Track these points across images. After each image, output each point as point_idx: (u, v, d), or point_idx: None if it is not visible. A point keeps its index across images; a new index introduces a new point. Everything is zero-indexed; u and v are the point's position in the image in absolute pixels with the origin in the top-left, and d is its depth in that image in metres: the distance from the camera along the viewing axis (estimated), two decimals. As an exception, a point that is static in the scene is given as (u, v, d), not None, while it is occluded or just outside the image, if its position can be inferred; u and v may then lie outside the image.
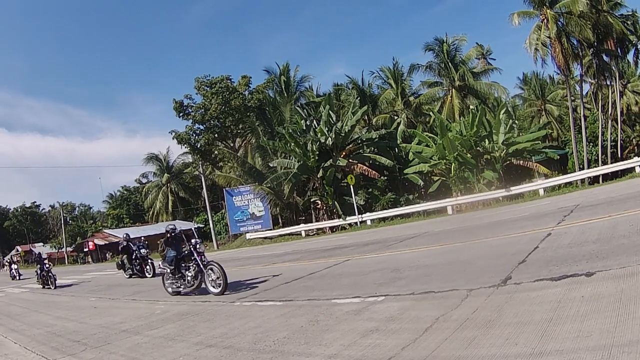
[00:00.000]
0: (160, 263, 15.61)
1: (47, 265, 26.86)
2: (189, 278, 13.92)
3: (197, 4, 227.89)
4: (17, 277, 39.99)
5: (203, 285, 13.75)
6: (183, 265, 14.24)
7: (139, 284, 21.54)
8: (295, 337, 7.43)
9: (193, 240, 13.88)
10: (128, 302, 15.83)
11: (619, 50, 42.73)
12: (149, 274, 23.98)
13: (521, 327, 5.65)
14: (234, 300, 12.02)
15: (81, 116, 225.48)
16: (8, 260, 49.80)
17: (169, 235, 14.93)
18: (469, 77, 48.98)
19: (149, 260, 24.88)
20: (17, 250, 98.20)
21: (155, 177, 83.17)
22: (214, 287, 13.43)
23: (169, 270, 14.82)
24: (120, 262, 26.36)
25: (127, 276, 25.12)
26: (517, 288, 7.66)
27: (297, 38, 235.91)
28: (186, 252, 14.20)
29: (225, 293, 13.10)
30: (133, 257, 25.35)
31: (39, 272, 26.94)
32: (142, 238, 29.65)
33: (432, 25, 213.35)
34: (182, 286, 14.47)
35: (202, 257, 13.73)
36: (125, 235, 27.27)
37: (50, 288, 25.48)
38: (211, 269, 13.50)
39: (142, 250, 25.66)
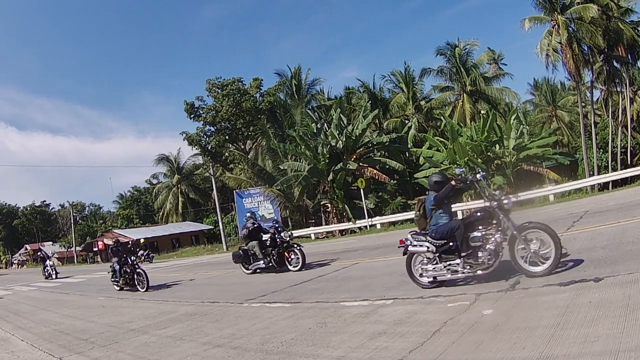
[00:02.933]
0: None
1: (147, 255, 27.26)
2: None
3: (209, 6, 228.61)
4: (54, 276, 33.24)
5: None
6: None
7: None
8: (303, 339, 7.47)
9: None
10: (137, 301, 15.87)
11: (629, 57, 42.55)
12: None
13: (529, 332, 5.66)
14: (242, 302, 12.05)
15: (92, 116, 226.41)
16: (41, 255, 44.75)
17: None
18: (480, 82, 48.85)
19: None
20: (26, 249, 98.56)
21: (165, 178, 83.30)
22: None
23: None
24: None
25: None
26: (525, 293, 7.67)
27: (309, 41, 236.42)
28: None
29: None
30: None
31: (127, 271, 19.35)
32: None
33: (443, 30, 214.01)
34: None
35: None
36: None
37: (139, 290, 18.56)
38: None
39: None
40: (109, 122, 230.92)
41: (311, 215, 47.82)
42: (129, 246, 22.47)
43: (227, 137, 55.85)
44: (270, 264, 17.45)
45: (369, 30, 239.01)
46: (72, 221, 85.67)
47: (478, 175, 9.29)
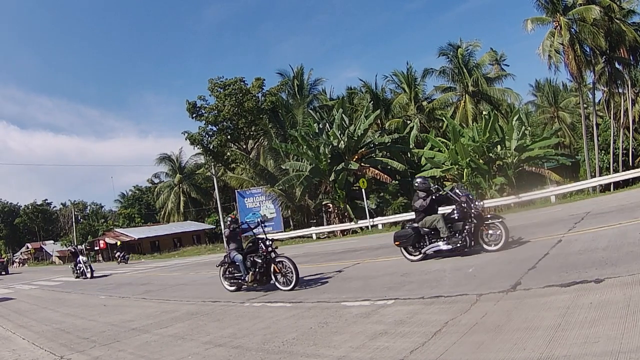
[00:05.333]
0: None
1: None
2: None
3: (212, 5, 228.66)
4: (88, 275, 28.80)
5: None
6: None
7: (150, 282, 21.59)
8: (304, 339, 7.49)
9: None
10: (138, 300, 15.91)
11: (631, 58, 42.53)
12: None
13: (530, 333, 5.68)
14: (243, 301, 12.09)
15: (94, 115, 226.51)
16: (71, 250, 36.49)
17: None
18: (482, 83, 48.92)
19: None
20: (27, 248, 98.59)
21: (167, 177, 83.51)
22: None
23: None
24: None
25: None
26: (526, 294, 7.68)
27: (311, 41, 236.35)
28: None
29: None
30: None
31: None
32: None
33: (446, 31, 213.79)
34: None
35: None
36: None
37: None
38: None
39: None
40: (111, 121, 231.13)
41: (313, 215, 47.90)
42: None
43: (229, 137, 55.84)
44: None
45: (372, 31, 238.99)
46: (73, 220, 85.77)
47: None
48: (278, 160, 46.76)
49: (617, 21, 40.02)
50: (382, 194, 42.14)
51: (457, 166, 37.90)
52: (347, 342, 6.81)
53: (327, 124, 44.18)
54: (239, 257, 13.69)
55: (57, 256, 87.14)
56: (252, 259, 13.45)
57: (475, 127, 40.23)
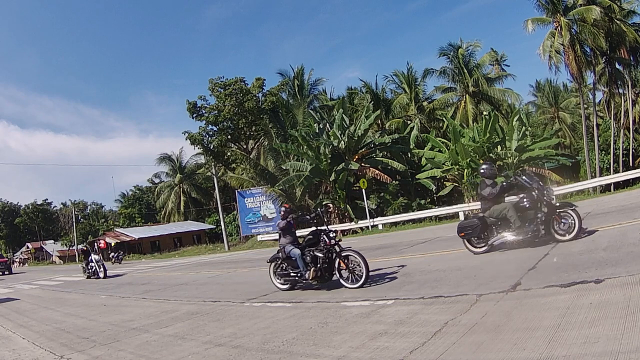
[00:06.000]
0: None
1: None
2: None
3: (214, 5, 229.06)
4: (101, 275, 27.24)
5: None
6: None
7: (150, 282, 21.59)
8: (304, 338, 7.49)
9: None
10: (138, 300, 15.89)
11: (631, 59, 42.54)
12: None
13: (529, 333, 5.69)
14: (243, 301, 12.08)
15: (94, 115, 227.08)
16: (83, 248, 35.47)
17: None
18: (482, 83, 48.92)
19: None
20: (28, 247, 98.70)
21: (167, 177, 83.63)
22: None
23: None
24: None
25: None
26: (526, 294, 7.68)
27: (312, 41, 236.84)
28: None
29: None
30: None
31: None
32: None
33: (446, 31, 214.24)
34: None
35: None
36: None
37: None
38: None
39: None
40: (112, 121, 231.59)
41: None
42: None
43: (229, 137, 55.96)
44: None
45: (372, 31, 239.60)
46: (74, 220, 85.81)
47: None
48: (278, 160, 46.73)
49: (618, 22, 40.04)
50: (382, 194, 42.11)
51: (457, 166, 37.89)
52: (347, 342, 6.82)
53: (327, 124, 44.18)
54: (297, 251, 12.24)
55: (58, 256, 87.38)
56: (312, 253, 12.03)
57: (475, 127, 40.20)
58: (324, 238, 11.93)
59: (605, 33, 39.13)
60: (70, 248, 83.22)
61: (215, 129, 55.88)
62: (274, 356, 6.78)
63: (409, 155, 46.37)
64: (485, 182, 12.98)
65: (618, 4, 40.55)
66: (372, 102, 47.86)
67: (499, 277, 9.21)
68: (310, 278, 11.72)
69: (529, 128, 43.80)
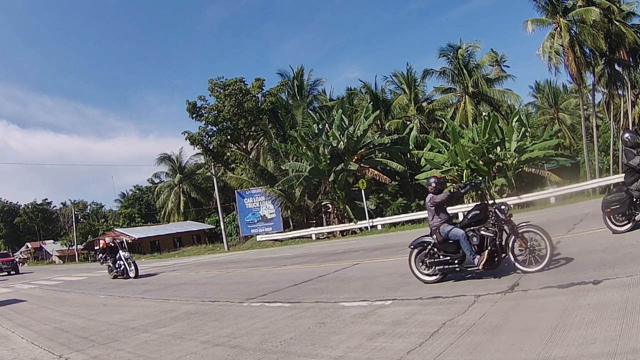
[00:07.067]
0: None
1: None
2: None
3: (214, 6, 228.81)
4: (131, 274, 24.04)
5: None
6: None
7: (149, 282, 21.60)
8: (302, 338, 7.51)
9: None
10: (137, 300, 15.90)
11: (631, 60, 42.58)
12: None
13: (527, 333, 5.71)
14: (242, 301, 12.08)
15: (95, 115, 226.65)
16: (110, 244, 27.48)
17: None
18: (482, 84, 48.84)
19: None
20: (27, 247, 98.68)
21: (167, 177, 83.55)
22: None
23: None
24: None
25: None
26: (524, 295, 7.72)
27: (312, 41, 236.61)
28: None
29: None
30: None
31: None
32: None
33: (446, 32, 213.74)
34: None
35: None
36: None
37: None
38: None
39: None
40: (112, 120, 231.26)
41: (312, 215, 47.88)
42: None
43: (228, 137, 55.86)
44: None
45: (372, 32, 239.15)
46: (73, 220, 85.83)
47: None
48: (278, 160, 46.72)
49: (617, 23, 40.07)
50: (381, 195, 42.12)
51: (456, 167, 37.85)
52: (345, 342, 6.83)
53: (326, 125, 44.18)
54: (460, 231, 9.82)
55: (57, 256, 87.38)
56: (478, 232, 9.70)
57: (475, 128, 40.19)
58: (495, 213, 9.62)
59: (605, 34, 39.16)
60: (70, 248, 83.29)
61: (214, 129, 55.75)
62: (271, 356, 6.79)
63: (408, 155, 46.37)
64: (631, 152, 11.15)
65: (617, 5, 40.60)
66: (372, 103, 47.78)
67: (497, 278, 9.23)
68: (482, 264, 9.36)
69: (529, 129, 43.83)
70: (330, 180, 40.79)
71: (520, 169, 38.02)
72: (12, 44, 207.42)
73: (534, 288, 7.92)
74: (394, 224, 37.26)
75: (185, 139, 56.34)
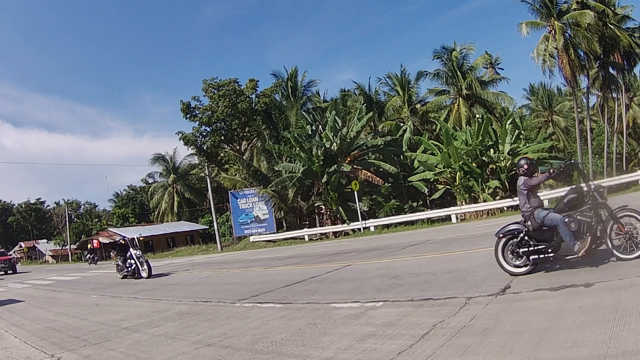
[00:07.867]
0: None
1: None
2: None
3: (210, 6, 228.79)
4: (144, 274, 22.52)
5: None
6: None
7: (142, 282, 21.54)
8: (293, 339, 7.48)
9: None
10: (130, 300, 15.84)
11: (625, 63, 42.76)
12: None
13: (517, 336, 5.70)
14: (234, 302, 12.05)
15: (89, 114, 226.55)
16: (120, 242, 25.82)
17: None
18: (476, 86, 48.97)
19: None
20: (21, 246, 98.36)
21: (161, 177, 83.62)
22: None
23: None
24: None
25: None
26: (515, 297, 7.71)
27: (307, 43, 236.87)
28: None
29: None
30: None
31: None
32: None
33: (441, 34, 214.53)
34: None
35: None
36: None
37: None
38: None
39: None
40: (107, 120, 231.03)
41: (305, 216, 47.93)
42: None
43: (222, 138, 55.85)
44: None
45: (368, 34, 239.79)
46: (67, 219, 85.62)
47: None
48: (271, 161, 46.77)
49: (611, 26, 40.25)
50: (374, 196, 42.20)
51: (449, 169, 37.92)
52: (335, 344, 6.82)
53: (320, 126, 44.28)
54: (557, 216, 8.93)
55: (51, 255, 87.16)
56: (576, 217, 8.92)
57: (468, 130, 40.24)
58: (593, 196, 8.90)
59: (599, 37, 39.33)
60: (63, 247, 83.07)
61: (208, 129, 55.75)
62: (262, 356, 6.77)
63: (402, 157, 46.46)
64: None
65: (612, 8, 40.80)
66: (365, 104, 47.89)
67: (489, 280, 9.23)
68: (583, 252, 8.52)
69: (523, 131, 43.92)
70: (323, 181, 40.80)
71: (513, 171, 38.02)
72: (7, 43, 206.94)
73: (525, 290, 7.92)
74: (387, 226, 37.30)
75: (179, 139, 56.42)
